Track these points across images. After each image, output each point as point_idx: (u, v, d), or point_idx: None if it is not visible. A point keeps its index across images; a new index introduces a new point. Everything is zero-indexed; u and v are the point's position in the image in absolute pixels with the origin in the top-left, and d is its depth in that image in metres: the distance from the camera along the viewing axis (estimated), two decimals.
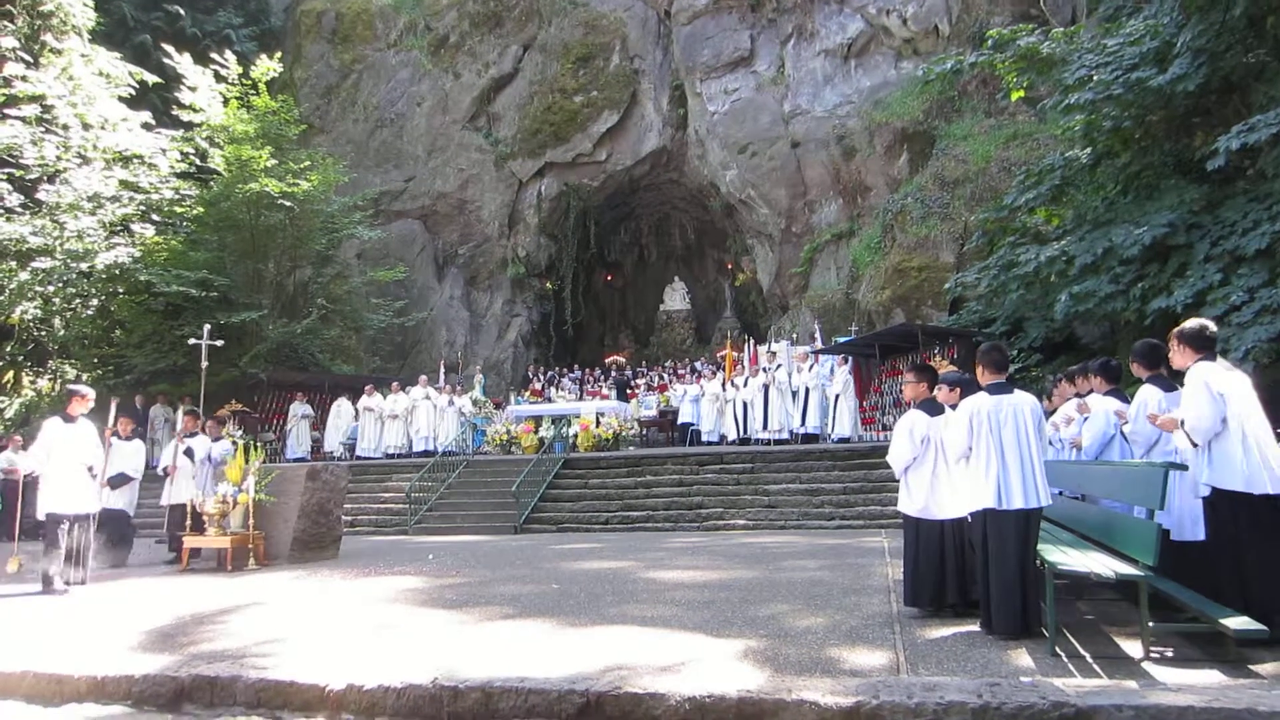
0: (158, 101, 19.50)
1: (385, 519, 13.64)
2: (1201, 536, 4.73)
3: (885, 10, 21.10)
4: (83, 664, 4.62)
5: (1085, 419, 6.35)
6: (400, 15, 25.88)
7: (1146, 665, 4.09)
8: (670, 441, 19.06)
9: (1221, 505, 4.54)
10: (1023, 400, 4.88)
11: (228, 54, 19.35)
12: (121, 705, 4.35)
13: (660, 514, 12.29)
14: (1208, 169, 9.42)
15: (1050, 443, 6.70)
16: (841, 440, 14.60)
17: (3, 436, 14.41)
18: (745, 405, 16.18)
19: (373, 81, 25.46)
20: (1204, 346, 4.75)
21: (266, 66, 18.96)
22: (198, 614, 6.14)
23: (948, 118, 19.96)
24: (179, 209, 18.81)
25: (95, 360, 18.26)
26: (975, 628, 4.87)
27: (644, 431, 19.35)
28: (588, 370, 24.32)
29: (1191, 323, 4.88)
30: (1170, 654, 4.28)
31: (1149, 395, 5.23)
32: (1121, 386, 6.25)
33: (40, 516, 7.68)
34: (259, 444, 10.87)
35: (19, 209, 17.26)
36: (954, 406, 5.28)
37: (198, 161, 18.93)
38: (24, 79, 17.05)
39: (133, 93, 18.98)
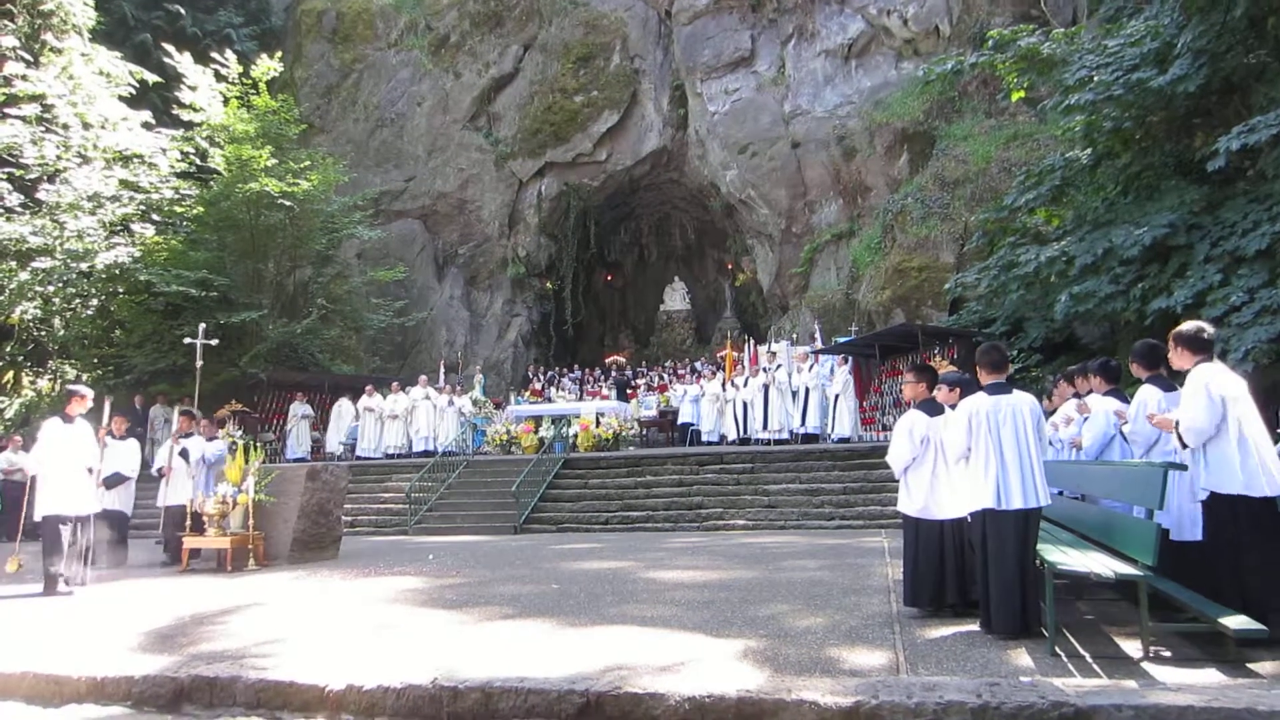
0: (158, 101, 19.49)
1: (385, 519, 13.64)
2: (1200, 537, 4.73)
3: (886, 11, 21.09)
4: (82, 665, 4.62)
5: (1085, 419, 6.35)
6: (401, 15, 25.87)
7: (1146, 665, 4.09)
8: (670, 441, 19.06)
9: (1219, 508, 4.54)
10: (1022, 400, 4.88)
11: (228, 53, 19.33)
12: (121, 706, 4.35)
13: (660, 514, 12.29)
14: (1208, 170, 9.41)
15: (1050, 443, 6.69)
16: (841, 440, 14.61)
17: (2, 437, 14.41)
18: (745, 405, 16.19)
19: (373, 81, 25.46)
20: (1202, 348, 4.75)
21: (267, 66, 18.96)
22: (197, 614, 6.14)
23: (948, 118, 19.96)
24: (179, 209, 18.79)
25: (95, 360, 18.24)
26: (975, 628, 4.87)
27: (644, 431, 19.35)
28: (588, 370, 24.31)
29: (1188, 325, 4.88)
30: (1170, 654, 4.28)
31: (1149, 395, 5.23)
32: (1121, 387, 6.25)
33: (37, 518, 7.66)
34: (259, 444, 10.86)
35: (19, 209, 17.24)
36: (954, 407, 5.28)
37: (198, 161, 18.92)
38: (24, 78, 17.03)
39: (133, 92, 18.96)
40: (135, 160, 18.18)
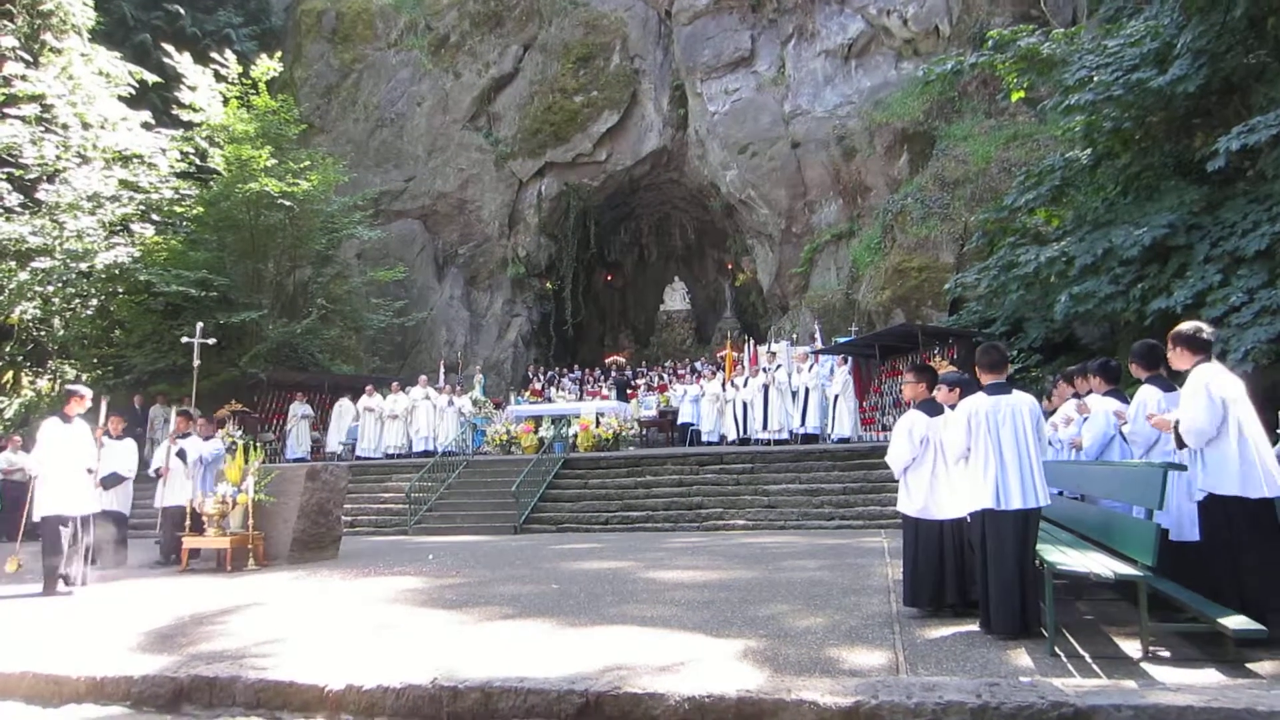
0: (158, 101, 19.48)
1: (385, 519, 13.64)
2: (1199, 537, 4.73)
3: (886, 11, 21.10)
4: (82, 665, 4.62)
5: (1085, 419, 6.35)
6: (401, 15, 25.88)
7: (1145, 665, 4.09)
8: (670, 441, 19.06)
9: (1215, 509, 4.54)
10: (1021, 400, 4.88)
11: (228, 53, 19.34)
12: (120, 706, 4.35)
13: (660, 514, 12.29)
14: (1208, 170, 9.42)
15: (1050, 443, 6.70)
16: (841, 440, 14.61)
17: (2, 437, 14.41)
18: (745, 405, 16.19)
19: (373, 81, 25.46)
20: (1201, 348, 4.75)
21: (266, 66, 18.96)
22: (197, 614, 6.14)
23: (948, 118, 19.96)
24: (179, 209, 18.79)
25: (95, 360, 18.24)
26: (974, 628, 4.87)
27: (644, 431, 19.34)
28: (588, 370, 24.31)
29: (1187, 325, 4.87)
30: (1169, 654, 4.28)
31: (1148, 395, 5.23)
32: (1121, 387, 6.25)
33: (37, 518, 7.65)
34: (258, 444, 10.84)
35: (19, 209, 17.24)
36: (953, 407, 5.28)
37: (198, 161, 18.91)
38: (24, 78, 17.02)
39: (133, 92, 18.96)
40: (135, 160, 18.17)
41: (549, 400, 20.35)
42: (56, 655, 4.86)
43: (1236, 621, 3.93)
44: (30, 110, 16.91)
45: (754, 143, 21.83)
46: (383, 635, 5.15)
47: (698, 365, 22.75)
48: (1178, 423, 4.62)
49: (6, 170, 16.95)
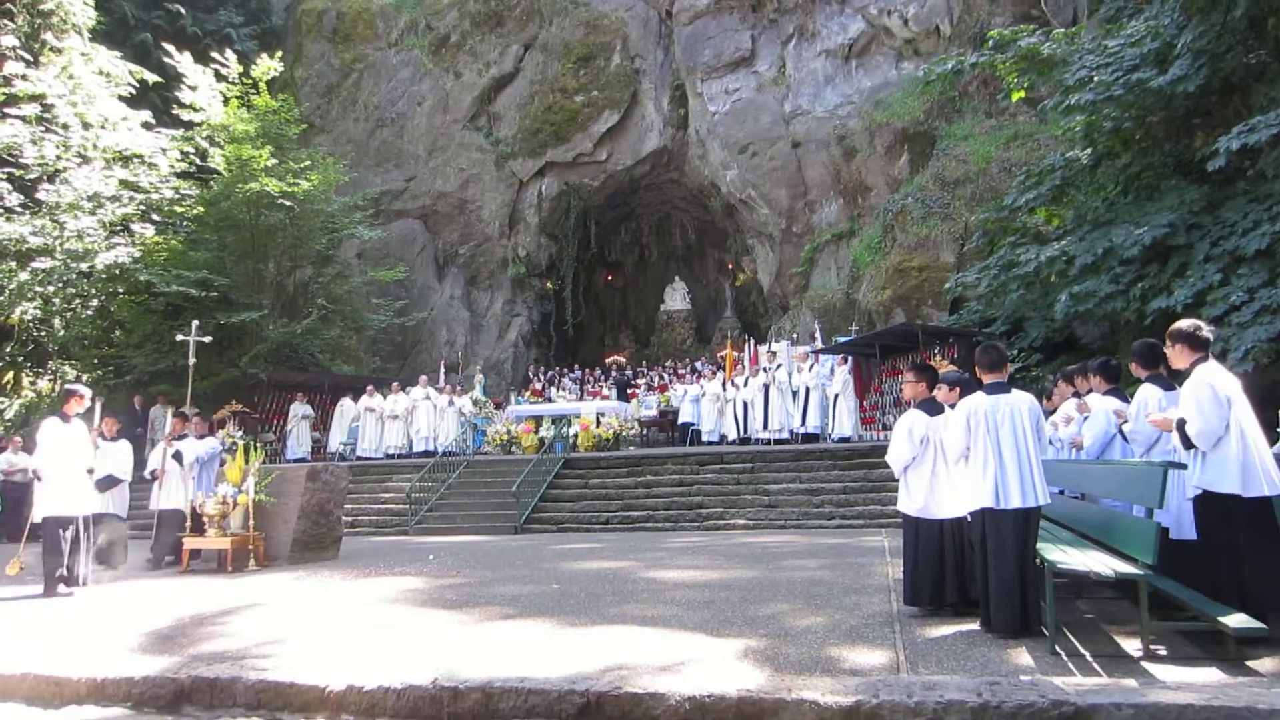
0: (158, 101, 19.48)
1: (385, 519, 13.64)
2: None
3: (886, 11, 21.09)
4: (82, 666, 4.62)
5: (1085, 418, 6.35)
6: (401, 14, 25.88)
7: (1146, 664, 4.09)
8: (670, 441, 19.06)
9: (1211, 506, 4.54)
10: (1020, 400, 4.88)
11: (228, 53, 19.33)
12: (121, 707, 4.36)
13: (660, 514, 12.29)
14: (1208, 170, 9.41)
15: (1050, 442, 6.70)
16: (841, 440, 14.61)
17: (2, 437, 14.41)
18: (745, 405, 16.19)
19: (373, 81, 25.46)
20: (1199, 345, 4.74)
21: (267, 66, 18.96)
22: (197, 615, 6.14)
23: (948, 118, 19.96)
24: (179, 209, 18.78)
25: (95, 361, 18.24)
26: (975, 626, 4.87)
27: (644, 431, 19.33)
28: (588, 370, 24.31)
29: (1185, 322, 4.86)
30: (1169, 652, 4.28)
31: (1149, 395, 5.23)
32: (1121, 386, 6.25)
33: (37, 519, 7.64)
34: (259, 444, 10.83)
35: (19, 209, 17.24)
36: (954, 406, 5.28)
37: (198, 161, 18.91)
38: (24, 78, 17.02)
39: (133, 92, 18.96)
40: (135, 160, 18.17)
41: (549, 400, 20.35)
42: (57, 656, 4.87)
43: (1237, 620, 3.93)
44: (30, 110, 16.91)
45: (754, 142, 21.83)
46: (383, 635, 5.15)
47: (698, 365, 22.75)
48: (1182, 424, 4.60)
49: (7, 170, 16.95)
